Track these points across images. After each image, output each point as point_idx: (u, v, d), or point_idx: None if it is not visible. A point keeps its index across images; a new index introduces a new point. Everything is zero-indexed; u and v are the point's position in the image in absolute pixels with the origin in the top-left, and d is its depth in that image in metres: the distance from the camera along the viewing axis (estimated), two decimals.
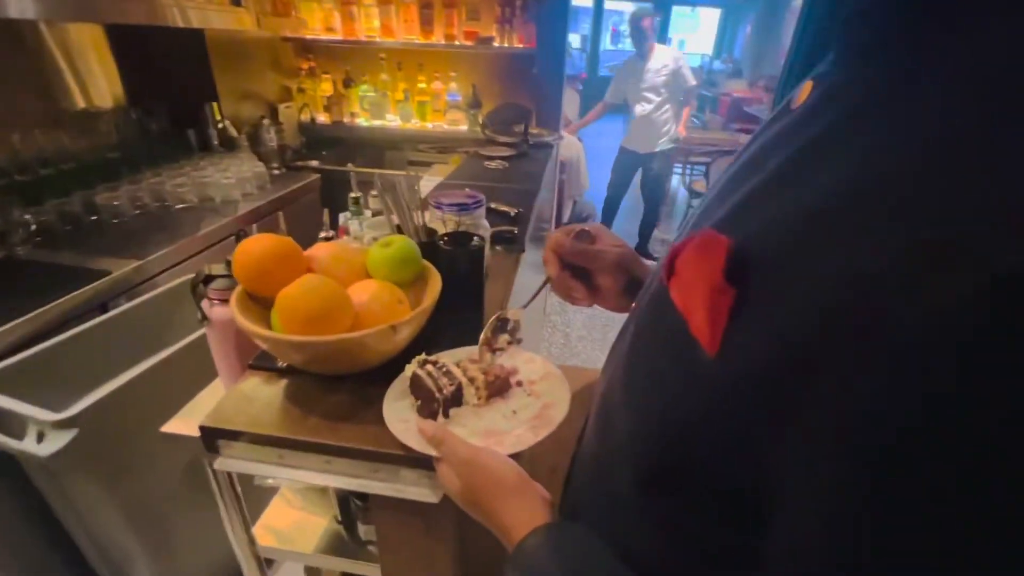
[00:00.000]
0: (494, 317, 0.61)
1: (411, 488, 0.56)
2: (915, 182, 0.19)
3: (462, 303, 0.75)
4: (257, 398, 0.62)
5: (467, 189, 0.90)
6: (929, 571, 0.18)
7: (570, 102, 3.62)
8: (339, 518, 0.75)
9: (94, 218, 1.47)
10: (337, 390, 0.63)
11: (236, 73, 2.11)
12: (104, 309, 1.18)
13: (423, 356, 0.59)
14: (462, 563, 0.65)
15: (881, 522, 0.18)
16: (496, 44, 2.25)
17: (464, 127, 2.41)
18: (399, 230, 0.76)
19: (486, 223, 0.90)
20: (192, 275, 1.00)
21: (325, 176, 2.09)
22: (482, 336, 0.61)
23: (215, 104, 1.98)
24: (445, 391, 0.54)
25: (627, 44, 7.07)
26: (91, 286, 1.16)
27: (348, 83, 2.51)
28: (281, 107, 2.33)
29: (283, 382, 0.64)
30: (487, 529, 0.44)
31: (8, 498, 0.91)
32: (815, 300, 0.20)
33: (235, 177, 1.72)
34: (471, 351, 0.64)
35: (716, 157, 3.62)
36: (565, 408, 0.53)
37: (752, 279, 0.23)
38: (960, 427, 0.16)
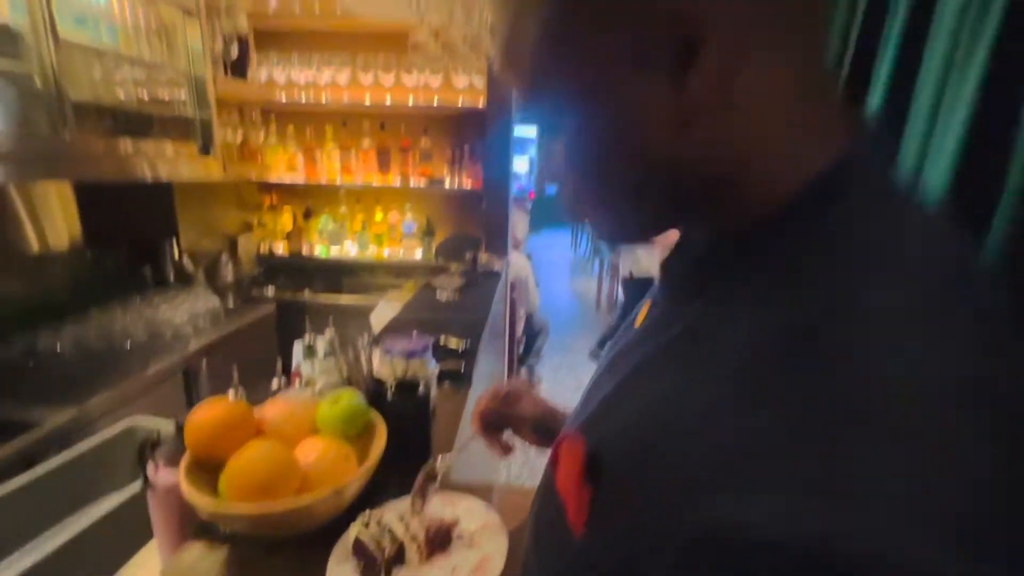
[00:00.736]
0: (422, 473, 0.65)
1: None
2: (700, 414, 0.25)
3: (409, 451, 0.79)
4: (198, 569, 0.61)
5: (415, 332, 0.98)
6: None
7: (519, 223, 3.94)
8: None
9: (31, 362, 1.44)
10: (281, 554, 0.63)
11: (199, 211, 2.21)
12: (31, 464, 1.12)
13: (367, 513, 0.61)
14: None
15: None
16: (447, 185, 2.50)
17: (419, 254, 2.57)
18: (349, 382, 0.82)
19: (433, 365, 0.97)
20: (125, 425, 1.00)
21: (280, 306, 2.14)
22: (413, 491, 0.64)
23: (174, 240, 2.06)
24: (387, 552, 0.57)
25: None
26: (19, 441, 1.12)
27: (308, 216, 2.67)
28: (240, 239, 2.43)
29: (226, 548, 0.64)
30: None
31: None
32: (646, 501, 0.26)
33: (188, 312, 1.75)
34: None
35: None
36: (501, 561, 0.57)
37: (604, 479, 0.30)
38: None
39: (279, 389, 0.89)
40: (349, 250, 2.64)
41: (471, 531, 0.63)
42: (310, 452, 0.64)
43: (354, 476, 0.62)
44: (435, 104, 2.41)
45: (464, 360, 1.21)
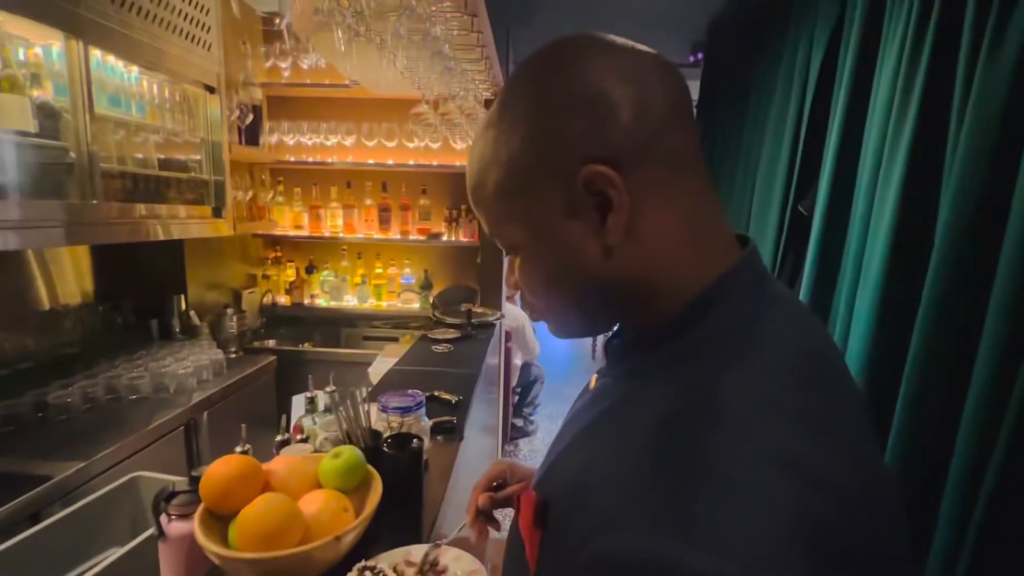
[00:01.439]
0: (425, 559, 0.71)
1: None
2: (607, 476, 0.33)
3: (403, 501, 0.85)
4: None
5: (409, 391, 1.05)
6: None
7: None
8: None
9: (41, 415, 1.49)
10: None
11: (206, 266, 2.32)
12: (36, 518, 1.16)
13: (363, 562, 0.67)
14: None
15: None
16: (445, 239, 2.63)
17: (416, 305, 2.66)
18: (348, 436, 0.88)
19: (425, 420, 1.03)
20: (127, 478, 1.05)
21: (281, 357, 2.20)
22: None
23: (182, 295, 2.15)
24: None
25: None
26: (26, 495, 1.15)
27: (310, 270, 2.78)
28: (245, 293, 2.53)
29: None
30: None
31: None
32: (570, 540, 0.33)
33: (192, 365, 1.81)
34: (407, 551, 0.73)
35: None
36: None
37: (549, 524, 0.37)
38: None
39: (283, 443, 0.96)
40: (349, 301, 2.73)
41: None
42: (312, 504, 0.71)
43: (352, 525, 0.68)
44: (434, 165, 2.58)
45: (457, 413, 1.28)
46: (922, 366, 0.93)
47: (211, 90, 1.91)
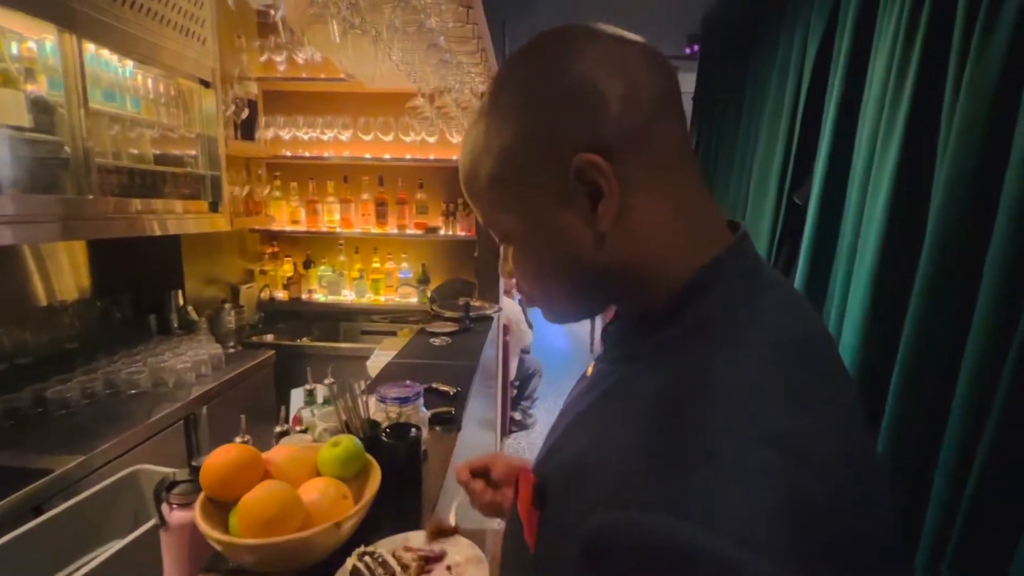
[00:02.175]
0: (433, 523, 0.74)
1: None
2: (605, 455, 0.34)
3: (402, 489, 0.86)
4: None
5: (407, 381, 1.06)
6: None
7: None
8: None
9: (40, 410, 1.49)
10: None
11: (204, 262, 2.32)
12: (38, 511, 1.17)
13: (362, 548, 0.68)
14: None
15: None
16: (442, 233, 2.63)
17: (414, 299, 2.67)
18: (347, 426, 0.89)
19: (423, 411, 1.04)
20: (128, 471, 1.06)
21: (280, 351, 2.20)
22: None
23: (180, 289, 2.15)
24: None
25: None
26: (27, 488, 1.16)
27: (308, 265, 2.78)
28: (243, 288, 2.53)
29: None
30: None
31: None
32: (568, 519, 0.34)
33: (191, 360, 1.81)
34: (406, 537, 0.74)
35: None
36: None
37: (547, 505, 0.38)
38: None
39: (282, 434, 0.97)
40: (347, 296, 2.73)
41: (456, 562, 0.70)
42: (312, 491, 0.72)
43: (351, 512, 0.69)
44: (431, 159, 2.58)
45: (455, 404, 1.29)
46: (914, 354, 0.94)
47: (206, 84, 1.91)
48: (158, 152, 1.78)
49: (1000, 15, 0.78)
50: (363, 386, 0.97)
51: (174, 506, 0.75)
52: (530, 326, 3.63)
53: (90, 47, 1.43)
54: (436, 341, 1.89)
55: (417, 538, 0.76)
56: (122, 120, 1.62)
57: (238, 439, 0.85)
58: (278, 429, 0.98)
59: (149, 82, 1.71)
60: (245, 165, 2.48)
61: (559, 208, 0.39)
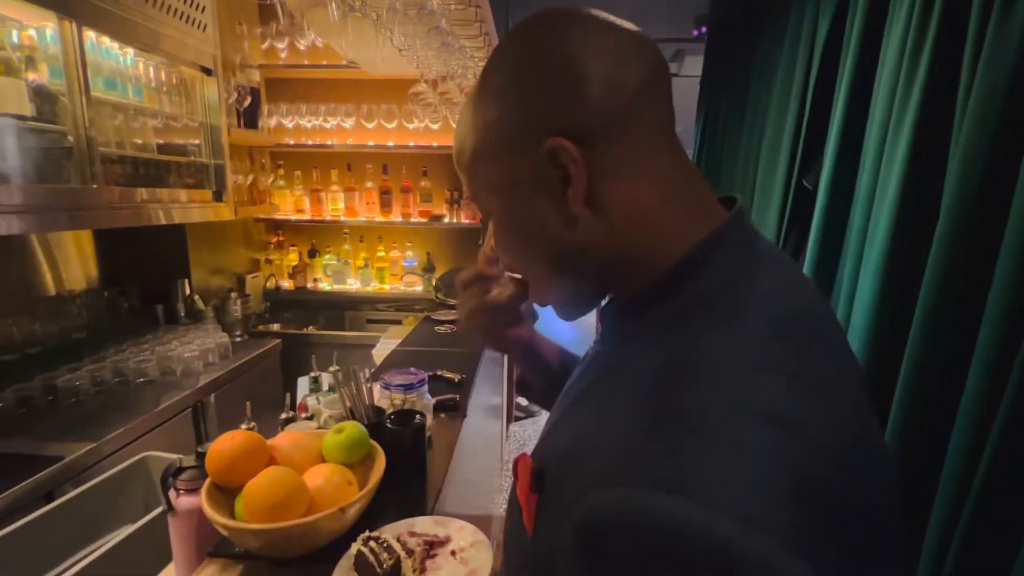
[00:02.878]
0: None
1: None
2: (601, 436, 0.34)
3: (406, 476, 0.86)
4: None
5: (412, 368, 1.06)
6: None
7: None
8: None
9: (51, 399, 1.51)
10: (290, 571, 0.70)
11: (209, 251, 2.33)
12: (50, 497, 1.19)
13: (367, 533, 0.68)
14: None
15: None
16: (447, 220, 2.62)
17: (419, 288, 2.67)
18: (351, 413, 0.89)
19: (428, 398, 1.04)
20: (137, 457, 1.07)
21: (286, 340, 2.22)
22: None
23: (186, 279, 2.16)
24: (385, 566, 0.64)
25: None
26: (39, 475, 1.18)
27: (313, 254, 2.78)
28: (248, 277, 2.54)
29: (239, 567, 0.71)
30: None
31: None
32: (564, 500, 0.34)
33: (198, 349, 1.83)
34: (411, 523, 0.74)
35: None
36: (487, 573, 0.63)
37: (546, 489, 0.38)
38: None
39: (288, 421, 0.97)
40: (352, 285, 2.74)
41: (461, 547, 0.70)
42: (317, 477, 0.72)
43: (356, 497, 0.69)
44: (435, 146, 2.56)
45: (460, 391, 1.29)
46: (925, 340, 0.93)
47: (208, 72, 1.89)
48: (161, 141, 1.78)
49: None
50: (368, 374, 0.97)
51: (181, 492, 0.75)
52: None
53: (91, 35, 1.42)
54: (441, 329, 1.89)
55: (422, 523, 0.76)
56: (124, 109, 1.62)
57: (243, 426, 0.85)
58: (283, 416, 0.99)
59: (151, 70, 1.70)
60: (248, 154, 2.47)
61: (533, 188, 0.39)
